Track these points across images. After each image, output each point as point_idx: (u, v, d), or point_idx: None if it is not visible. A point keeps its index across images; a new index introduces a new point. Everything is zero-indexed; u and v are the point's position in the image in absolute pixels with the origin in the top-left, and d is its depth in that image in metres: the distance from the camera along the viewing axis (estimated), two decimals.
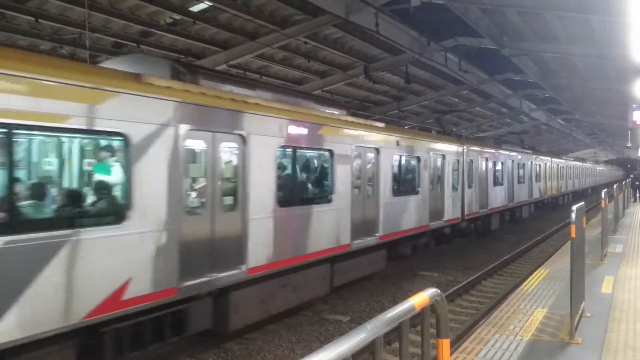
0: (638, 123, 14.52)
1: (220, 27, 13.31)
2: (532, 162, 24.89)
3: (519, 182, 22.65)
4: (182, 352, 7.76)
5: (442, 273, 13.74)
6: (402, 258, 13.22)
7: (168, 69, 7.10)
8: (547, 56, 16.12)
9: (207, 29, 13.51)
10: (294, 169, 8.98)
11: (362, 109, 23.69)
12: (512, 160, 21.74)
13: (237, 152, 7.46)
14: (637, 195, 26.41)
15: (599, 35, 12.25)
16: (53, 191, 5.61)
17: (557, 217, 26.05)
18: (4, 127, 4.78)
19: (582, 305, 5.86)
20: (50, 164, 5.85)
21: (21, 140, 5.27)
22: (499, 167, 20.31)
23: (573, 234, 5.02)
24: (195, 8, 12.19)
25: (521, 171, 23.11)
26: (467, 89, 22.58)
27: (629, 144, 30.89)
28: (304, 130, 8.89)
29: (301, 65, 17.05)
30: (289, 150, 8.74)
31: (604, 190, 10.11)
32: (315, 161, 10.23)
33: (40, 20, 11.35)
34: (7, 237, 4.73)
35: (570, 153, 52.31)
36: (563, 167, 33.49)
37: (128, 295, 5.74)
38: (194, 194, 7.00)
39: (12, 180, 4.90)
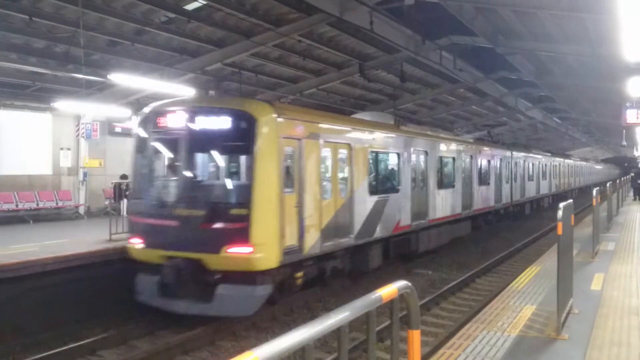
0: (631, 121, 14.57)
1: (215, 25, 13.33)
2: (551, 163, 32.06)
3: (543, 178, 29.52)
4: (175, 349, 7.81)
5: (436, 271, 13.80)
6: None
7: (392, 118, 14.40)
8: (541, 55, 16.16)
9: (202, 28, 13.53)
10: (426, 166, 15.04)
11: (358, 107, 23.73)
12: (539, 162, 28.79)
13: (424, 158, 14.88)
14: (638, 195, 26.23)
15: (592, 34, 12.29)
16: (381, 178, 12.53)
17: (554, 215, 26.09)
18: (373, 152, 12.01)
19: (570, 302, 5.91)
20: (378, 166, 12.54)
21: (374, 156, 12.11)
22: (532, 166, 26.97)
23: (560, 232, 5.06)
24: (190, 6, 12.21)
25: (545, 170, 30.10)
26: (463, 87, 22.63)
27: (624, 143, 30.98)
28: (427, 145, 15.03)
29: (297, 63, 17.07)
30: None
31: (595, 189, 10.16)
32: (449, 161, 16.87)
33: (34, 19, 11.36)
34: (375, 196, 11.72)
35: (567, 152, 52.45)
36: (572, 166, 40.28)
37: (400, 225, 12.94)
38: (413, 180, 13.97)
39: (375, 174, 12.18)
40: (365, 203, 11.33)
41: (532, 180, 27.06)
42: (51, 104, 15.02)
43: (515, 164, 23.85)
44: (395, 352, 2.48)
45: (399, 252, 13.36)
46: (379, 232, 11.80)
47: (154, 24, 12.77)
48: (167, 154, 9.42)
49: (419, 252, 14.29)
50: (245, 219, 8.21)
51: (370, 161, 11.87)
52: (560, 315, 5.23)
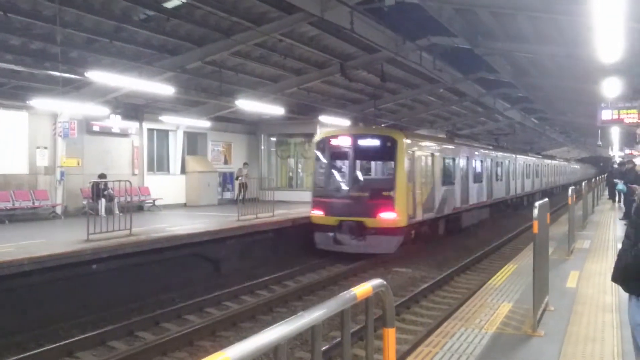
0: (606, 119, 14.87)
1: (195, 23, 13.23)
2: (542, 163, 37.89)
3: (536, 176, 34.96)
4: (154, 349, 7.75)
5: (415, 269, 13.91)
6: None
7: (444, 133, 22.13)
8: (519, 56, 16.41)
9: (181, 26, 13.42)
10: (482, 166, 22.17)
11: (339, 106, 23.79)
12: (533, 163, 34.43)
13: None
14: (616, 197, 26.34)
15: (568, 35, 12.51)
16: (446, 174, 17.41)
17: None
18: (442, 157, 17.37)
19: (546, 299, 6.02)
20: (445, 166, 17.35)
21: (442, 160, 17.39)
22: (528, 167, 32.37)
23: (535, 230, 5.15)
24: (169, 4, 12.10)
25: (538, 170, 35.63)
26: (442, 87, 22.84)
27: (599, 142, 31.61)
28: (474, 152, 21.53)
29: (277, 62, 17.04)
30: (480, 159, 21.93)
31: (571, 187, 10.35)
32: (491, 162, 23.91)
33: (10, 15, 11.15)
34: (444, 187, 16.93)
35: (543, 151, 53.27)
36: (557, 166, 46.38)
37: (454, 207, 18.05)
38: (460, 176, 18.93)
39: (443, 172, 17.17)
40: (440, 191, 16.95)
41: (529, 177, 32.48)
42: (27, 102, 14.75)
43: (518, 164, 29.44)
44: (370, 351, 2.50)
45: (451, 227, 18.35)
46: (445, 211, 17.51)
47: (133, 22, 12.63)
48: (340, 161, 15.48)
49: (462, 228, 19.44)
50: (391, 197, 14.20)
51: (441, 163, 17.48)
52: (536, 312, 5.33)
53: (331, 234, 14.46)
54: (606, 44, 9.36)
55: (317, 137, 16.46)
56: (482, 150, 23.27)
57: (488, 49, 15.17)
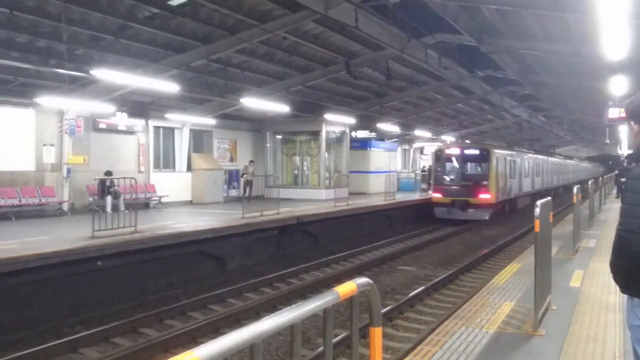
0: (613, 117, 14.75)
1: (200, 21, 13.24)
2: (563, 162, 46.27)
3: (560, 174, 42.63)
4: (156, 347, 7.78)
5: (420, 267, 13.90)
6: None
7: (505, 143, 37.83)
8: (525, 53, 16.30)
9: (186, 23, 13.43)
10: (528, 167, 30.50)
11: (345, 104, 23.75)
12: (557, 163, 42.13)
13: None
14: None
15: (575, 33, 12.42)
16: (513, 171, 26.41)
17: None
18: (509, 160, 25.88)
19: (549, 298, 5.99)
20: (513, 166, 26.25)
21: (510, 161, 25.98)
22: (554, 166, 39.79)
23: (537, 229, 5.12)
24: (174, 2, 12.11)
25: (559, 168, 42.94)
26: (448, 85, 22.74)
27: (607, 141, 31.40)
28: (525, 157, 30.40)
29: (282, 60, 17.03)
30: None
31: (576, 186, 10.28)
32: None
33: (15, 13, 11.20)
34: (511, 179, 26.02)
35: (552, 149, 53.02)
36: (573, 165, 54.47)
37: (515, 193, 26.77)
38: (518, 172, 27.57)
39: (511, 169, 26.20)
40: (509, 182, 25.22)
41: (556, 174, 40.34)
42: (34, 100, 14.83)
43: (547, 164, 36.88)
44: (355, 350, 2.49)
45: (511, 208, 26.04)
46: (511, 195, 25.73)
47: (138, 20, 12.65)
48: (452, 163, 23.71)
49: (517, 209, 26.89)
50: (487, 185, 22.50)
51: (510, 164, 25.73)
52: (538, 311, 5.30)
53: (445, 209, 22.96)
54: (613, 41, 9.28)
55: (436, 148, 25.89)
56: (528, 154, 31.62)
57: (494, 46, 15.07)
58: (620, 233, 2.63)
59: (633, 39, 9.18)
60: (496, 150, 24.06)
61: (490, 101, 27.07)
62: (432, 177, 25.10)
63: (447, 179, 23.51)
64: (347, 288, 2.28)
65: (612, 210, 19.52)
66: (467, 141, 35.88)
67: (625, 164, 27.55)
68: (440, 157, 24.09)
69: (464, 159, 23.64)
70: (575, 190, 10.08)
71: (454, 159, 23.66)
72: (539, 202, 5.17)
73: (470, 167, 24.39)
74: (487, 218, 22.45)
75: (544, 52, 15.32)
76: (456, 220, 22.07)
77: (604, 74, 14.06)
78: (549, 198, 5.89)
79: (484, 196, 22.40)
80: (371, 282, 2.46)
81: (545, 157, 36.96)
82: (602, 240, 11.53)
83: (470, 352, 4.67)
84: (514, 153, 27.56)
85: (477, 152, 23.84)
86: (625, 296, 2.94)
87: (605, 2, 7.35)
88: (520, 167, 27.72)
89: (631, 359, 3.08)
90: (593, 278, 7.73)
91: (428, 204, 23.49)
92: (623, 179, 17.82)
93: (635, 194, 2.62)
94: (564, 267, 8.49)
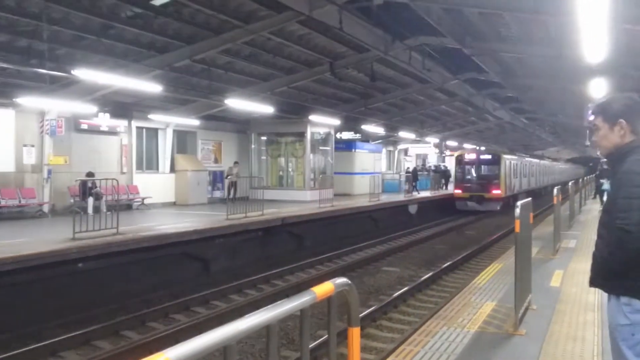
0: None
1: (183, 21, 13.17)
2: (551, 164, 51.15)
3: (547, 174, 46.66)
4: (138, 350, 7.72)
5: (404, 268, 13.96)
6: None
7: (507, 148, 44.21)
8: (507, 56, 16.48)
9: (170, 23, 13.34)
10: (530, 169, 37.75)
11: (329, 105, 23.79)
12: (546, 165, 47.33)
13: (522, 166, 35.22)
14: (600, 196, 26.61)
15: (555, 36, 12.60)
16: (520, 171, 34.07)
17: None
18: (515, 163, 32.98)
19: (529, 298, 6.05)
20: (520, 168, 34.19)
21: (517, 164, 33.29)
22: (544, 167, 45.10)
23: (517, 229, 5.17)
24: (157, 2, 12.01)
25: (547, 170, 47.35)
26: (432, 87, 22.88)
27: (588, 143, 31.88)
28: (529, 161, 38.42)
29: (267, 61, 17.00)
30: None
31: (556, 187, 10.40)
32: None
33: None
34: (517, 178, 32.74)
35: (534, 152, 53.74)
36: (559, 167, 58.80)
37: (518, 189, 32.33)
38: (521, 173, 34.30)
39: (518, 170, 33.37)
40: (514, 181, 30.80)
41: (545, 175, 44.96)
42: (14, 100, 14.62)
43: (539, 166, 42.08)
44: (333, 349, 2.49)
45: (515, 201, 28.29)
46: (515, 191, 30.42)
47: (120, 19, 12.54)
48: (470, 167, 29.92)
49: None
50: (498, 182, 28.57)
51: (515, 166, 31.30)
52: (518, 311, 5.35)
53: (465, 202, 28.51)
54: (591, 44, 9.43)
55: (457, 154, 31.87)
56: (526, 158, 37.89)
57: (477, 49, 15.21)
58: (624, 227, 2.52)
59: (611, 41, 9.33)
60: (505, 156, 30.10)
61: (474, 103, 27.30)
62: (454, 177, 32.18)
63: (467, 178, 29.50)
64: (324, 288, 2.28)
65: (591, 210, 19.80)
66: (482, 148, 42.46)
67: (604, 166, 27.93)
68: (461, 161, 30.19)
69: (479, 163, 29.82)
70: (555, 191, 10.21)
71: (472, 162, 29.88)
72: (518, 203, 5.23)
73: (484, 169, 29.94)
74: (498, 209, 27.82)
75: (525, 55, 15.51)
76: (473, 211, 27.88)
77: (583, 77, 14.27)
78: (530, 199, 6.02)
79: (496, 192, 28.33)
80: (349, 282, 2.47)
81: (538, 161, 43.73)
82: (582, 240, 11.69)
83: (452, 352, 4.70)
84: (516, 158, 33.58)
85: (490, 157, 29.84)
86: (606, 295, 2.91)
87: (584, 5, 7.46)
88: (521, 169, 33.87)
89: (609, 358, 3.09)
90: (573, 278, 7.83)
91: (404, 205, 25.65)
92: (602, 180, 18.13)
93: (634, 187, 2.58)
94: (544, 267, 8.58)
